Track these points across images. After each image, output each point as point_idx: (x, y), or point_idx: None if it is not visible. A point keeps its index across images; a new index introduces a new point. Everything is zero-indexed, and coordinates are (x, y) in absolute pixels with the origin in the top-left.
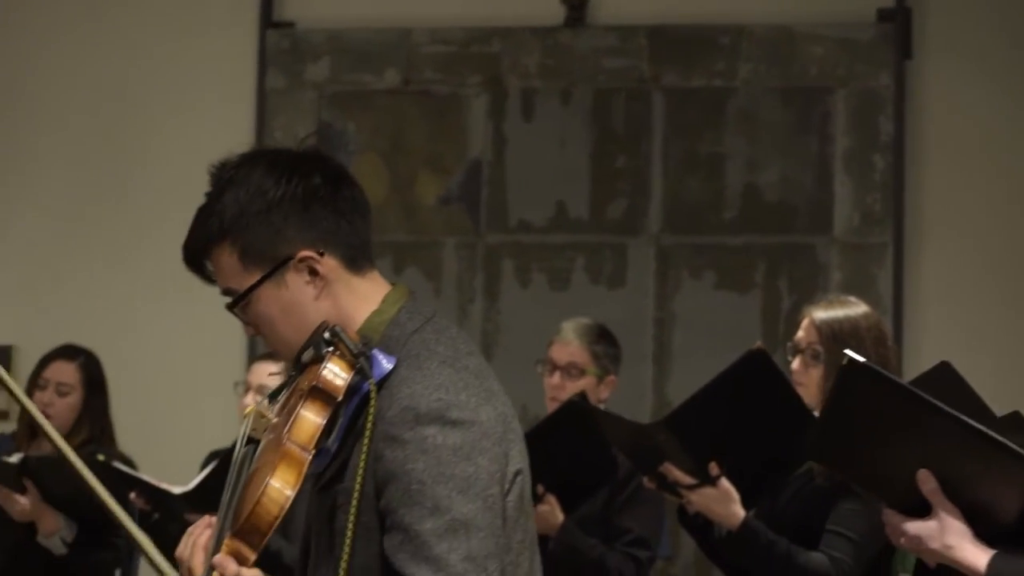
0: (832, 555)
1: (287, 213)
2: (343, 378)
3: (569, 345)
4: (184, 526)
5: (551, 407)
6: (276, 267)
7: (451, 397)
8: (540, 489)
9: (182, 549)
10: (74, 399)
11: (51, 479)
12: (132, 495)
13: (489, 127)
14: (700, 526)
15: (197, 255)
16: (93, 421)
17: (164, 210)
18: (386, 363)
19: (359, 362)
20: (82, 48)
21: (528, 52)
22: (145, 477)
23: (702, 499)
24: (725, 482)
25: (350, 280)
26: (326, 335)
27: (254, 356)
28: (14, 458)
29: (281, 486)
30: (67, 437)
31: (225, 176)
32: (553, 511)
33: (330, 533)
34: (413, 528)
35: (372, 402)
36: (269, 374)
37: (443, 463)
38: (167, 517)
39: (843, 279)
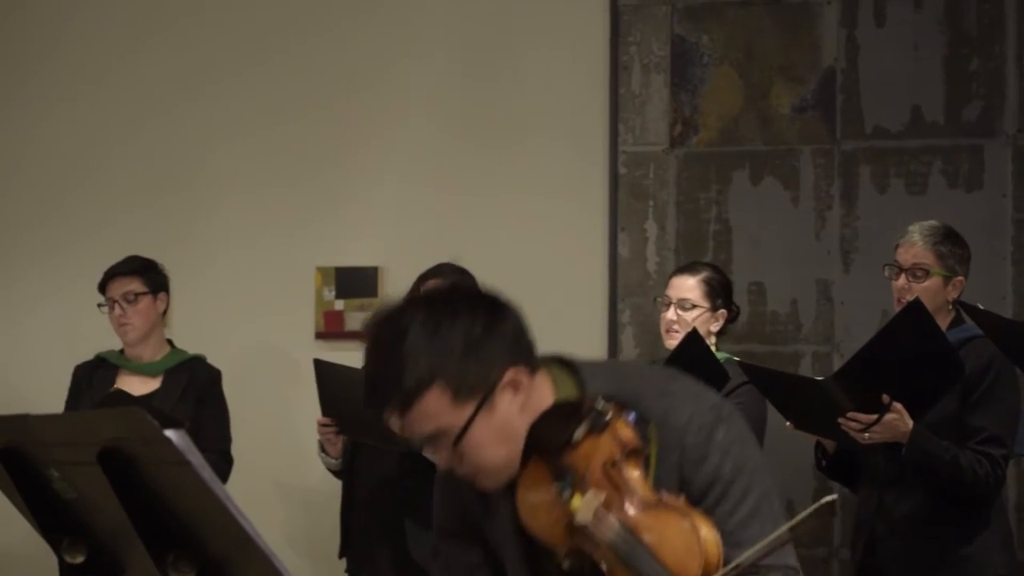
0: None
1: (491, 342)
2: (632, 433)
3: (914, 247)
4: None
5: (898, 309)
6: (486, 396)
7: (713, 396)
8: (886, 398)
9: None
10: None
11: None
12: None
13: (842, 34)
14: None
15: (398, 408)
16: None
17: (523, 128)
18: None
19: (633, 414)
20: None
21: None
22: None
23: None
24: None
25: (533, 382)
26: (598, 407)
27: (614, 271)
28: None
29: (707, 531)
30: None
31: (407, 327)
32: (902, 418)
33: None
34: (730, 520)
35: (654, 441)
36: (688, 288)
37: (736, 455)
38: None
39: None
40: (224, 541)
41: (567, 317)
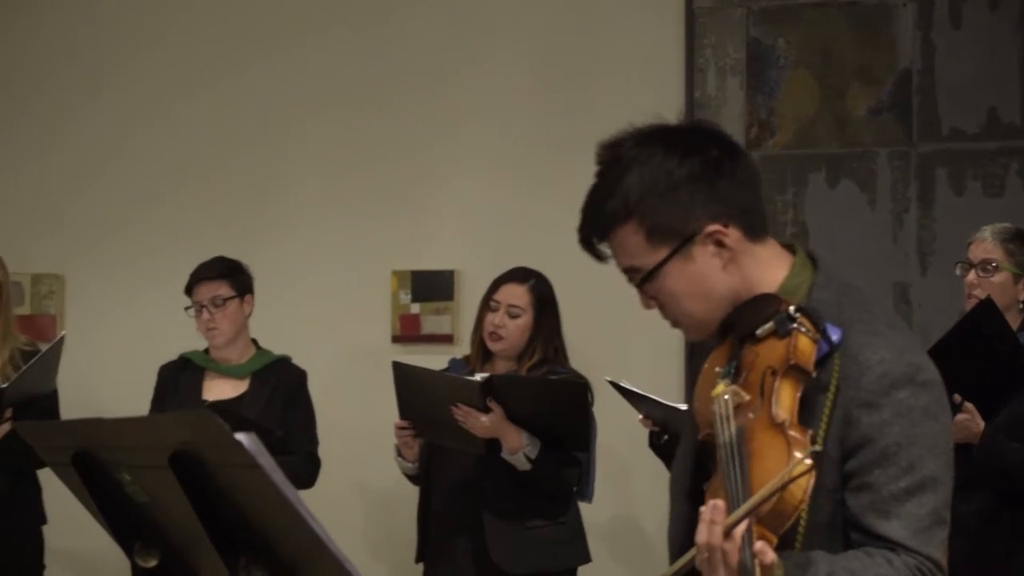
0: None
1: (692, 190)
2: (811, 352)
3: (984, 243)
4: None
5: (969, 305)
6: (683, 242)
7: (918, 360)
8: (957, 398)
9: (704, 534)
10: (525, 320)
11: (513, 398)
12: (640, 417)
13: (917, 36)
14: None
15: (596, 235)
16: (546, 341)
17: (599, 131)
18: (834, 333)
19: (823, 336)
20: None
21: None
22: (653, 395)
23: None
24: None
25: (752, 249)
26: (791, 311)
27: None
28: (478, 377)
29: (795, 477)
30: (520, 358)
31: (624, 157)
32: (973, 419)
33: None
34: (887, 488)
35: (836, 372)
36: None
37: (915, 424)
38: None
39: None
40: (295, 544)
41: (644, 323)
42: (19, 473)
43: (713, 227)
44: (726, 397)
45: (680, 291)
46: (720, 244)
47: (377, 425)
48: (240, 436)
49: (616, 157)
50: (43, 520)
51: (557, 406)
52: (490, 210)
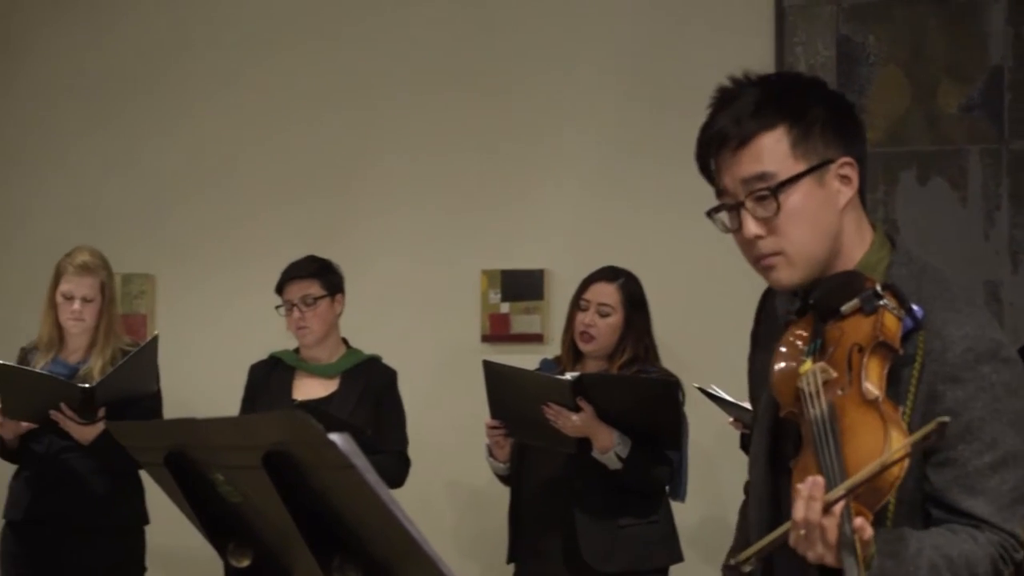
0: None
1: (843, 118)
2: (897, 329)
3: None
4: None
5: None
6: (823, 163)
7: (999, 336)
8: None
9: (803, 511)
10: (615, 319)
11: (604, 396)
12: (731, 419)
13: (1009, 32)
14: None
15: (738, 137)
16: (636, 340)
17: (688, 130)
18: (917, 310)
19: (908, 313)
20: None
21: None
22: (741, 403)
23: None
24: None
25: (858, 208)
26: (877, 288)
27: None
28: (568, 376)
29: (893, 454)
30: (610, 357)
31: (772, 78)
32: None
33: None
34: (971, 463)
35: (920, 348)
36: None
37: (998, 399)
38: None
39: None
40: (389, 545)
41: (731, 325)
42: (120, 473)
43: (848, 160)
44: (815, 374)
45: (804, 212)
46: (847, 183)
47: (467, 425)
48: (334, 436)
49: (781, 73)
50: (146, 520)
51: (648, 404)
52: (580, 210)
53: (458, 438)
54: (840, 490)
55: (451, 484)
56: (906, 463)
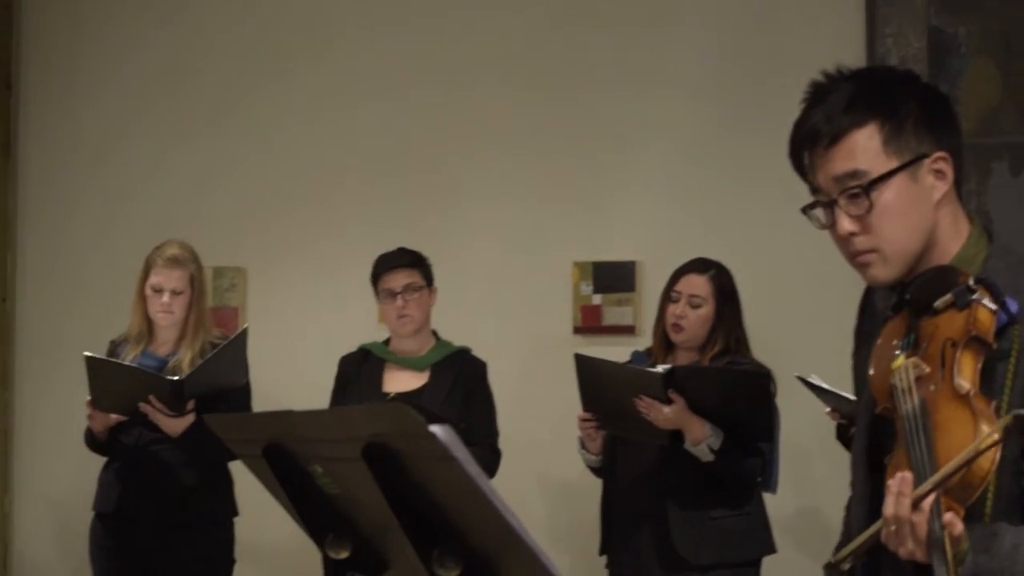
0: None
1: (937, 111)
2: (991, 323)
3: None
4: None
5: None
6: (915, 159)
7: None
8: None
9: (892, 507)
10: (707, 311)
11: (696, 389)
12: (828, 410)
13: None
14: None
15: (829, 134)
16: (727, 332)
17: (781, 122)
18: (1012, 304)
19: (1002, 308)
20: None
21: None
22: (841, 392)
23: None
24: None
25: (954, 202)
26: (970, 283)
27: None
28: (659, 369)
29: (982, 448)
30: (702, 349)
31: (864, 74)
32: None
33: None
34: None
35: (1016, 342)
36: None
37: None
38: None
39: None
40: (490, 537)
41: (825, 312)
42: (210, 466)
43: (942, 154)
44: (907, 369)
45: (897, 209)
46: (941, 177)
47: (559, 416)
48: (435, 428)
49: (869, 67)
50: (234, 512)
51: (739, 396)
52: (672, 201)
53: (550, 429)
54: (928, 485)
55: (543, 476)
56: (996, 457)
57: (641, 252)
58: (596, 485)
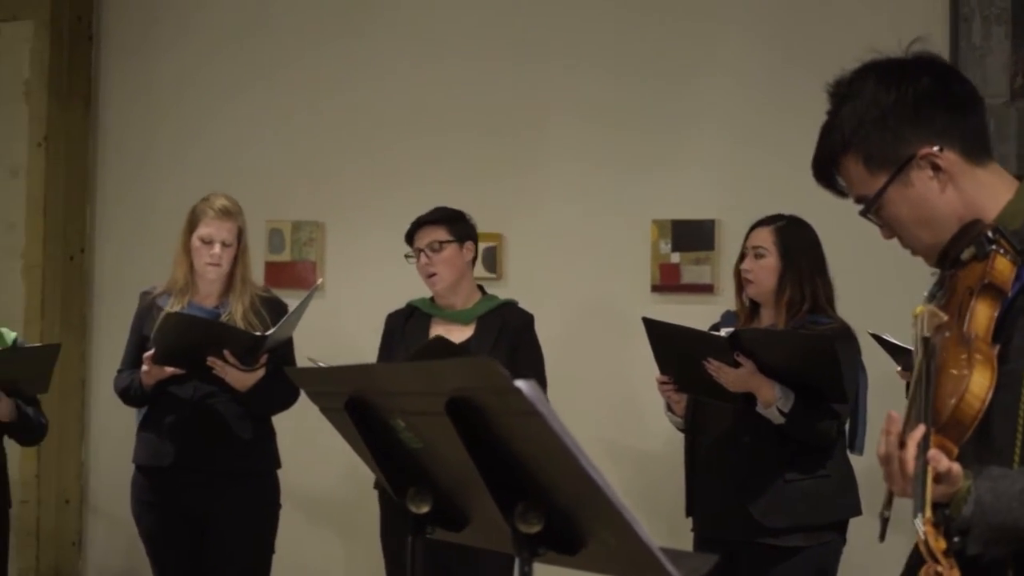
0: None
1: (900, 117)
2: (1009, 272)
3: None
4: None
5: None
6: (899, 168)
7: None
8: None
9: (882, 445)
10: (770, 261)
11: (762, 351)
12: (899, 369)
13: None
14: None
15: (826, 170)
16: (795, 283)
17: None
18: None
19: (1021, 257)
20: None
21: None
22: (904, 344)
23: None
24: None
25: (974, 172)
26: (989, 233)
27: None
28: (723, 332)
29: (980, 381)
30: (783, 306)
31: (841, 93)
32: None
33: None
34: None
35: None
36: None
37: None
38: None
39: None
40: (573, 493)
41: (907, 270)
42: (260, 418)
43: (926, 150)
44: (924, 317)
45: (904, 216)
46: (936, 167)
47: (637, 377)
48: (520, 383)
49: (837, 93)
50: (278, 464)
51: (806, 359)
52: (752, 159)
53: (628, 391)
54: (912, 423)
55: (621, 433)
56: (987, 396)
57: (721, 211)
58: (675, 449)
